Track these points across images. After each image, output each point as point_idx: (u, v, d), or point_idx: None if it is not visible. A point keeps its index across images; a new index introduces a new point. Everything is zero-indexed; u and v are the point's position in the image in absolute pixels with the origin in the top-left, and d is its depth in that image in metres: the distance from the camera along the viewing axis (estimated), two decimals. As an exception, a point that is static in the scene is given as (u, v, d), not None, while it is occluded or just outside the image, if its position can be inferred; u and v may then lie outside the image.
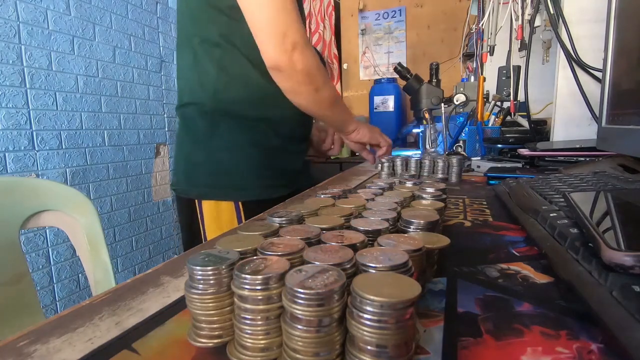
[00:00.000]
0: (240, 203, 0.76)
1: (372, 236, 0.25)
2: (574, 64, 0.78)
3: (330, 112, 0.76)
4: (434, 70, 1.12)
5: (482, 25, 1.32)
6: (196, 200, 0.78)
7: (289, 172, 0.83)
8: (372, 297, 0.15)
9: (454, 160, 0.68)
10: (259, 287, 0.17)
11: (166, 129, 2.23)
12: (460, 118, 1.16)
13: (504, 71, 1.16)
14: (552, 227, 0.29)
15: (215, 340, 0.20)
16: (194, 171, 0.78)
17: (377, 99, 2.95)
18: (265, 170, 0.78)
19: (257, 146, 0.77)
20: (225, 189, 0.77)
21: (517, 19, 1.04)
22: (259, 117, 0.76)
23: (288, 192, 0.79)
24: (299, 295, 0.15)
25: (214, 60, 0.74)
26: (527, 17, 0.99)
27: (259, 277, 0.17)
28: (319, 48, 3.14)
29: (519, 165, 0.78)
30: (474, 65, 1.73)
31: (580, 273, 0.22)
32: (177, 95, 0.85)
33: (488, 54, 1.29)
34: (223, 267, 0.19)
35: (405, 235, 0.24)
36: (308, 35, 0.98)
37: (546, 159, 0.74)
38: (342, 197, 0.39)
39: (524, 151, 0.76)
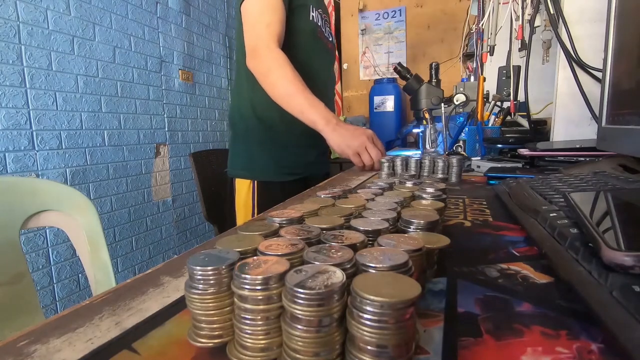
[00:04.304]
0: (255, 182, 1.02)
1: (372, 236, 0.25)
2: (574, 64, 0.78)
3: (287, 106, 0.93)
4: (434, 70, 1.12)
5: (482, 25, 1.32)
6: (233, 179, 1.06)
7: (302, 163, 1.06)
8: (372, 297, 0.15)
9: (454, 160, 0.68)
10: (259, 287, 0.17)
11: (166, 129, 2.23)
12: (460, 118, 1.16)
13: (504, 71, 1.16)
14: (552, 227, 0.29)
15: (215, 340, 0.20)
16: (234, 158, 1.08)
17: (377, 99, 2.95)
18: (282, 160, 1.03)
19: (278, 143, 1.03)
20: (251, 172, 1.03)
21: (517, 19, 1.04)
22: (280, 119, 0.99)
23: (295, 178, 1.04)
24: (299, 295, 0.15)
25: (248, 80, 0.99)
26: (527, 17, 0.99)
27: (259, 277, 0.17)
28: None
29: (519, 165, 0.78)
30: (474, 65, 1.73)
31: (580, 273, 0.22)
32: (230, 104, 1.14)
33: (488, 54, 1.29)
34: (223, 267, 0.19)
35: (405, 235, 0.24)
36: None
37: (546, 159, 0.74)
38: (342, 197, 0.39)
39: (524, 151, 0.76)
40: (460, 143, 1.13)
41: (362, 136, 0.89)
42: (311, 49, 1.03)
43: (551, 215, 0.31)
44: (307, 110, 0.90)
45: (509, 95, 1.14)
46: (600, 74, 0.63)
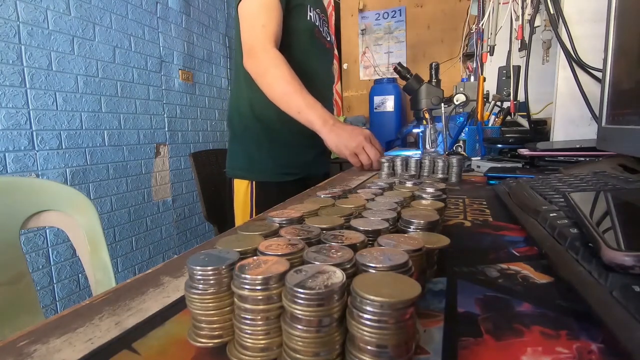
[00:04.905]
0: (254, 182, 1.02)
1: (372, 236, 0.25)
2: (574, 64, 0.78)
3: (284, 106, 0.92)
4: (434, 70, 1.12)
5: (482, 25, 1.32)
6: (232, 179, 1.06)
7: (301, 163, 1.06)
8: (372, 297, 0.15)
9: (454, 160, 0.68)
10: (259, 287, 0.17)
11: (166, 129, 2.23)
12: (460, 118, 1.16)
13: (504, 71, 1.16)
14: (552, 227, 0.29)
15: (215, 340, 0.20)
16: (233, 159, 1.08)
17: (377, 99, 2.95)
18: (280, 160, 1.03)
19: (276, 143, 1.03)
20: (249, 172, 1.03)
21: (517, 19, 1.04)
22: (278, 120, 0.98)
23: (294, 178, 1.04)
24: (299, 295, 0.15)
25: (247, 80, 1.00)
26: (527, 17, 0.99)
27: (259, 277, 0.17)
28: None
29: (519, 165, 0.78)
30: (474, 65, 1.73)
31: (580, 273, 0.22)
32: (228, 105, 1.15)
33: (488, 54, 1.29)
34: (223, 267, 0.19)
35: (405, 235, 0.24)
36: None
37: (546, 159, 0.74)
38: (342, 197, 0.39)
39: (524, 151, 0.76)
40: (460, 143, 1.13)
41: (360, 136, 0.88)
42: (309, 48, 1.03)
43: (551, 215, 0.31)
44: (304, 110, 0.90)
45: (509, 95, 1.14)
46: (600, 74, 0.63)
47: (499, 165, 0.80)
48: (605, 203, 0.30)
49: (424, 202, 0.35)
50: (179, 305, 0.24)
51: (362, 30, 3.34)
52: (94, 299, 0.26)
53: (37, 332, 0.21)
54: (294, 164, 1.05)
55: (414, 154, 1.21)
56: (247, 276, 0.17)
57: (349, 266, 0.19)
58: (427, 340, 0.19)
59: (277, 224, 0.28)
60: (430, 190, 0.40)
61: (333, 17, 3.27)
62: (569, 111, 0.83)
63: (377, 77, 3.23)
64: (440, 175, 0.68)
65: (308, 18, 1.01)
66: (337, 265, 0.18)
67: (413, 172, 0.69)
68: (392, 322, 0.15)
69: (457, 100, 1.14)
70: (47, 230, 1.55)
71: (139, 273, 0.40)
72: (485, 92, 1.14)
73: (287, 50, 0.95)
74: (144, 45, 2.07)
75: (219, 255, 0.20)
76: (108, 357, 0.19)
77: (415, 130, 1.50)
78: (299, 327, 0.16)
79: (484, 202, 0.51)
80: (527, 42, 0.98)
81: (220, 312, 0.19)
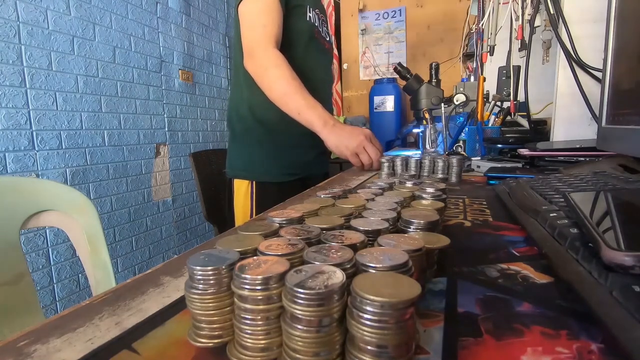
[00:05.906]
0: (254, 182, 1.03)
1: (372, 236, 0.25)
2: (574, 64, 0.78)
3: (284, 106, 0.93)
4: (434, 70, 1.12)
5: (482, 25, 1.32)
6: (232, 179, 1.07)
7: (301, 163, 1.06)
8: (372, 297, 0.15)
9: (454, 160, 0.68)
10: (259, 287, 0.17)
11: (166, 129, 2.23)
12: (460, 118, 1.16)
13: (504, 71, 1.16)
14: (552, 227, 0.29)
15: (215, 340, 0.20)
16: (233, 159, 1.08)
17: (377, 99, 2.95)
18: (280, 161, 1.03)
19: (276, 143, 1.03)
20: (250, 173, 1.04)
21: (517, 19, 1.04)
22: (278, 120, 0.98)
23: (294, 178, 1.04)
24: (299, 295, 0.15)
25: (246, 80, 1.00)
26: (527, 17, 0.99)
27: (259, 277, 0.17)
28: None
29: (519, 165, 0.78)
30: (474, 65, 1.73)
31: (580, 273, 0.22)
32: (228, 105, 1.15)
33: (488, 54, 1.29)
34: (223, 267, 0.19)
35: (405, 235, 0.24)
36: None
37: (546, 159, 0.74)
38: (342, 197, 0.39)
39: (524, 151, 0.76)
40: (460, 143, 1.13)
41: (360, 136, 0.88)
42: (308, 49, 1.03)
43: (551, 215, 0.31)
44: (304, 111, 0.90)
45: (509, 95, 1.14)
46: (600, 74, 0.63)
47: (499, 165, 0.80)
48: (605, 203, 0.30)
49: (424, 202, 0.35)
50: (179, 305, 0.24)
51: (362, 30, 3.34)
52: (94, 299, 0.26)
53: (37, 332, 0.21)
54: (294, 164, 1.05)
55: (414, 154, 1.21)
56: (247, 276, 0.17)
57: (349, 266, 0.19)
58: (427, 340, 0.19)
59: (277, 224, 0.28)
60: (430, 190, 0.40)
61: (333, 17, 3.27)
62: (569, 111, 0.83)
63: (377, 77, 3.23)
64: (440, 175, 0.67)
65: (307, 18, 1.01)
66: (337, 265, 0.18)
67: (413, 172, 0.69)
68: (392, 322, 0.15)
69: (457, 100, 1.14)
70: (47, 230, 1.55)
71: (139, 273, 0.40)
72: (485, 92, 1.14)
73: (286, 50, 0.95)
74: (144, 45, 2.07)
75: (219, 255, 0.20)
76: (108, 357, 0.19)
77: (415, 130, 1.50)
78: (299, 327, 0.16)
79: (484, 202, 0.51)
80: (527, 42, 0.98)
81: (220, 312, 0.19)
